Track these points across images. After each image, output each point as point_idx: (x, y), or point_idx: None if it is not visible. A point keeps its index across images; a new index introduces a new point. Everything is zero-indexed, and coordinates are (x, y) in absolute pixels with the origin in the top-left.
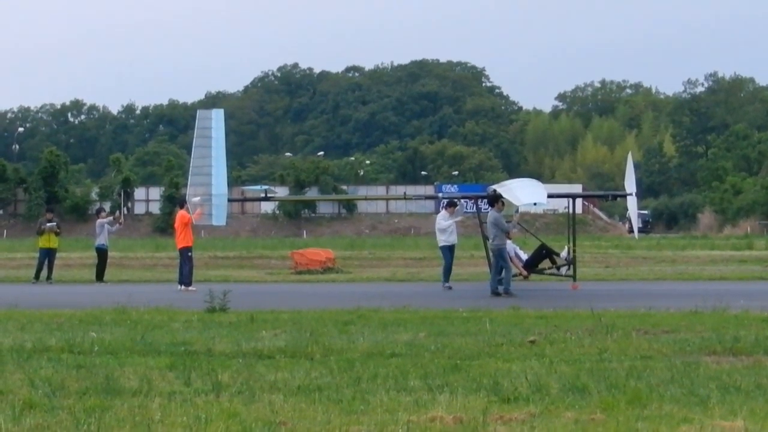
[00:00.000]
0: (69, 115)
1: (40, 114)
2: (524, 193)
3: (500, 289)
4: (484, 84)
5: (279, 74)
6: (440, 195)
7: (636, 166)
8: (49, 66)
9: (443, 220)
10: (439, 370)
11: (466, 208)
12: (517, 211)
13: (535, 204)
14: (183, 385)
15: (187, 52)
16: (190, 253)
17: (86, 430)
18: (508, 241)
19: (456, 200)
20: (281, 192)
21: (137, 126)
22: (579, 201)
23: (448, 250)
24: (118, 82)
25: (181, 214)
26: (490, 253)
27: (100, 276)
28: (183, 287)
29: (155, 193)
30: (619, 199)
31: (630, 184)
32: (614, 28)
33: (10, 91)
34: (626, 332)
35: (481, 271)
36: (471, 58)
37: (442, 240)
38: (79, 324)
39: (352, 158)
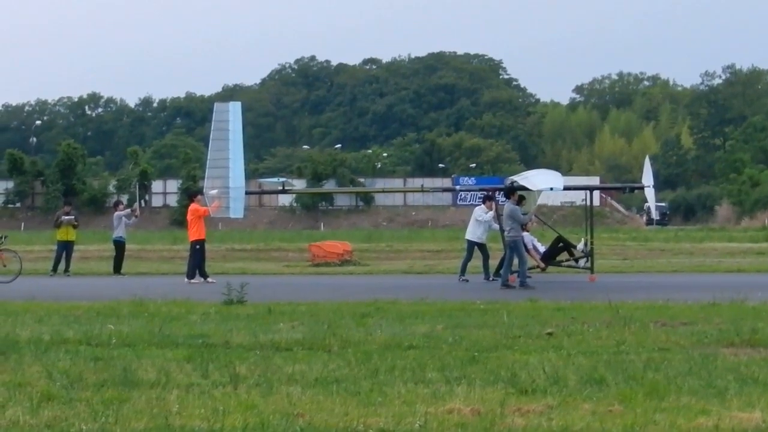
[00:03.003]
0: (86, 107)
1: (57, 107)
2: (540, 180)
3: (516, 282)
4: (501, 76)
5: (296, 67)
6: (458, 187)
7: (653, 160)
8: (66, 59)
9: (483, 213)
10: (457, 363)
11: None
12: (535, 203)
13: (551, 189)
14: (200, 377)
15: (204, 44)
16: (198, 246)
17: (104, 422)
18: (526, 233)
19: (492, 193)
20: (299, 184)
21: (154, 119)
22: (596, 193)
23: (476, 247)
24: (135, 74)
25: (193, 207)
26: (505, 245)
27: (117, 268)
28: (188, 280)
29: (172, 185)
30: (636, 191)
31: (647, 180)
32: (631, 19)
33: (27, 84)
34: (644, 324)
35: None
36: (488, 50)
37: (477, 236)
38: (97, 316)
39: (370, 151)
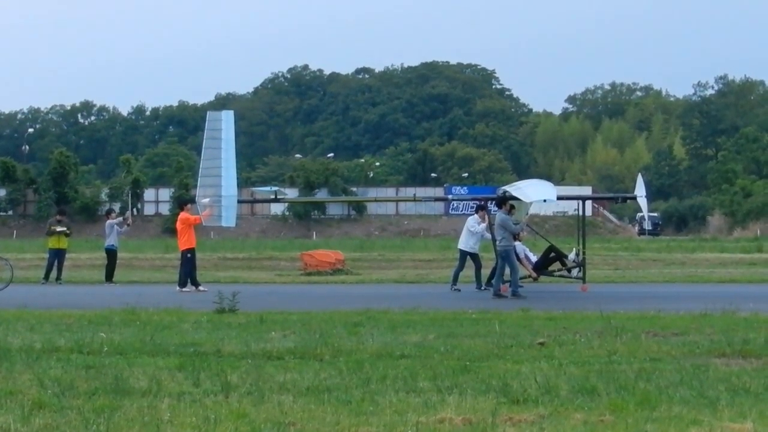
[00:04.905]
0: (79, 115)
1: (50, 115)
2: (533, 191)
3: (508, 292)
4: (494, 86)
5: (289, 75)
6: (450, 197)
7: (645, 170)
8: (59, 67)
9: (476, 224)
10: (449, 372)
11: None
12: (527, 213)
13: (544, 201)
14: (192, 385)
15: (197, 53)
16: (189, 255)
17: (95, 430)
18: (518, 243)
19: (485, 203)
20: (291, 193)
21: (147, 127)
22: (589, 203)
23: (468, 256)
24: (128, 82)
25: (183, 216)
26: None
27: (109, 277)
28: (179, 288)
29: (165, 194)
30: (628, 201)
31: (640, 192)
32: (624, 30)
33: (20, 91)
34: (635, 334)
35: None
36: (481, 60)
37: (469, 246)
38: (89, 324)
39: (362, 160)
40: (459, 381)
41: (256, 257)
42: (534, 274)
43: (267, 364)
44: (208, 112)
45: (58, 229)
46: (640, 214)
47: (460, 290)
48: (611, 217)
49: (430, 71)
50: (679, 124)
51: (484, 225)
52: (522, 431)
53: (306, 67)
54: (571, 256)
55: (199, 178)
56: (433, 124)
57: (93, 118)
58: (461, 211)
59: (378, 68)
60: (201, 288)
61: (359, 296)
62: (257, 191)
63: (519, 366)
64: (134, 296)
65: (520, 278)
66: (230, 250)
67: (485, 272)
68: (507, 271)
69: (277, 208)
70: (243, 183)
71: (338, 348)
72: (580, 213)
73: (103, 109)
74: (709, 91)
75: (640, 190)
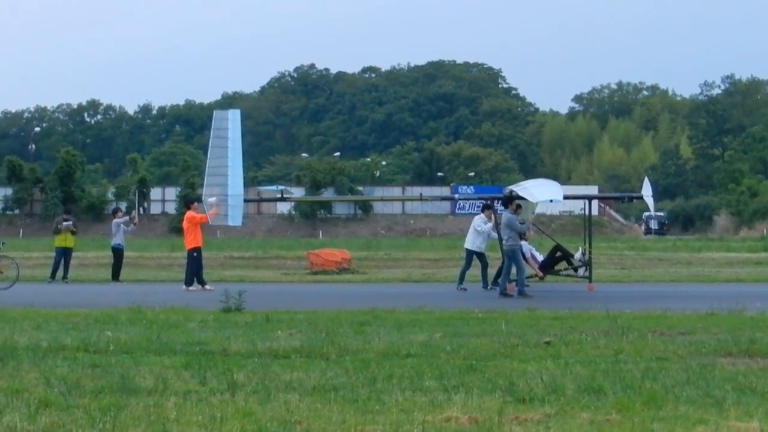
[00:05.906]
0: (85, 114)
1: (56, 114)
2: (540, 191)
3: (515, 291)
4: (500, 85)
5: (295, 75)
6: (456, 196)
7: (651, 170)
8: (65, 65)
9: (483, 223)
10: (455, 371)
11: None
12: (533, 212)
13: (551, 201)
14: (198, 384)
15: (203, 52)
16: (195, 254)
17: (101, 428)
18: (524, 242)
19: (491, 203)
20: (297, 193)
21: (153, 126)
22: (595, 203)
23: (475, 255)
24: (135, 81)
25: (189, 215)
26: (503, 254)
27: (116, 275)
28: (185, 287)
29: (171, 193)
30: (635, 200)
31: (647, 192)
32: (631, 29)
33: (26, 90)
34: (642, 334)
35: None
36: (488, 59)
37: (476, 245)
38: (95, 323)
39: (368, 159)
40: (465, 380)
41: (263, 256)
42: (540, 274)
43: (273, 362)
44: (214, 111)
45: (65, 225)
46: (647, 214)
47: (466, 289)
48: (617, 216)
49: (437, 70)
50: (685, 124)
51: (490, 224)
52: (528, 430)
53: (312, 66)
54: (578, 255)
55: (205, 177)
56: (439, 123)
57: (99, 117)
58: (467, 210)
59: (384, 67)
60: (207, 287)
61: (365, 295)
62: (264, 190)
63: (525, 365)
64: (141, 295)
65: (527, 277)
66: (236, 249)
67: (491, 272)
68: (513, 270)
69: (283, 208)
70: (249, 182)
71: (344, 347)
72: (587, 212)
73: (109, 108)
74: (716, 91)
75: (646, 190)
